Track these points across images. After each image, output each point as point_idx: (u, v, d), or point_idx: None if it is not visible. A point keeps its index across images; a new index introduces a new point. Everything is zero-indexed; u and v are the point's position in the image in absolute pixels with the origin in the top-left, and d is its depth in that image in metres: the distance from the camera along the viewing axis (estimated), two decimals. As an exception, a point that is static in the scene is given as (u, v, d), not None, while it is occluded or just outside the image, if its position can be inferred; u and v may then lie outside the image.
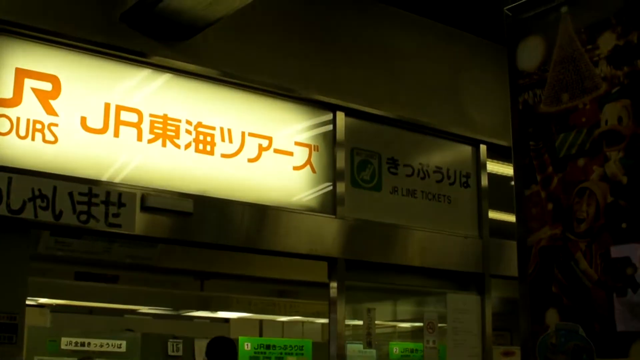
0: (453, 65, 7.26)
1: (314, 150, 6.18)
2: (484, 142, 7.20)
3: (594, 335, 2.75)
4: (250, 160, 5.83)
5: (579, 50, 2.99)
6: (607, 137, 2.84)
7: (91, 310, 9.31)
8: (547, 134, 3.04)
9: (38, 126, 4.98)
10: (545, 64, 3.09)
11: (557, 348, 2.84)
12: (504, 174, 7.25)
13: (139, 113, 5.38)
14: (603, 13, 2.96)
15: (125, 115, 5.32)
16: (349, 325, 6.50)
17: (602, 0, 3.01)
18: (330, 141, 6.28)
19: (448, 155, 7.06)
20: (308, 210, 6.06)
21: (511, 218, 3.18)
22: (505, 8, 3.29)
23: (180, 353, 7.74)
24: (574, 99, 2.97)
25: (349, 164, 6.36)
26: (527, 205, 3.07)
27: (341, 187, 6.23)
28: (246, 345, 8.06)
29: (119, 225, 5.06)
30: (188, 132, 5.55)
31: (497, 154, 7.25)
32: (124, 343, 7.34)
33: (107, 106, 5.26)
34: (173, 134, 5.48)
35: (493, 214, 7.10)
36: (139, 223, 5.17)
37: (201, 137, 5.59)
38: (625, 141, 2.78)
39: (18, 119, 4.92)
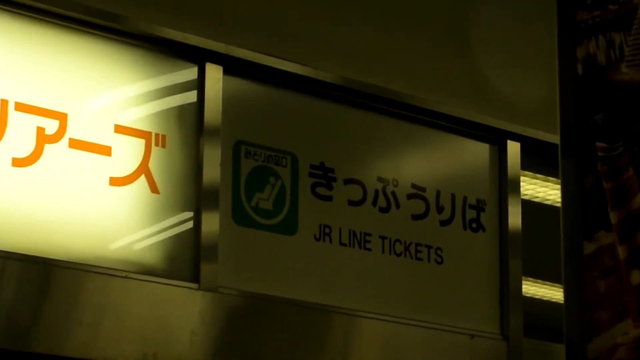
0: None
1: (156, 144, 3.21)
2: (513, 137, 3.94)
3: None
4: (18, 163, 3.10)
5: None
6: None
7: None
8: (635, 125, 1.63)
9: None
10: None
11: None
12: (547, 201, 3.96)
13: None
14: None
15: None
16: None
17: None
18: (192, 124, 3.29)
19: (444, 166, 3.89)
20: (140, 272, 3.19)
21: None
22: None
23: None
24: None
25: (230, 175, 3.32)
26: (587, 275, 1.69)
27: (212, 224, 3.22)
28: None
29: None
30: None
31: (533, 161, 4.05)
32: None
33: None
34: None
35: (530, 287, 3.89)
36: None
37: None
38: None
39: None
